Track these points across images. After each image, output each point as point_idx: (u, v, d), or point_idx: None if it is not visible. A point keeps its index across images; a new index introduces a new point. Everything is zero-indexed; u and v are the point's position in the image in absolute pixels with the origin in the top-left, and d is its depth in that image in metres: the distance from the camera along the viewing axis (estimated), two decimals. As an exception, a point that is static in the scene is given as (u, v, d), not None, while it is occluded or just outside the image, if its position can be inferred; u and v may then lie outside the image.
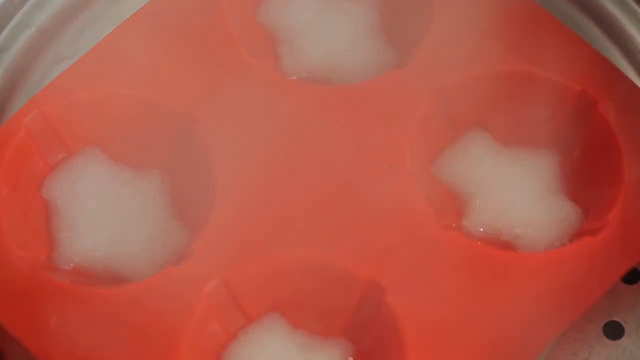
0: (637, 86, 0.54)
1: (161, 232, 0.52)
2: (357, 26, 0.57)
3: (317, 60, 0.55)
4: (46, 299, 0.48)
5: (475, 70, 0.53)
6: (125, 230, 0.52)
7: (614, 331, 0.52)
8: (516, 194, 0.52)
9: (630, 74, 0.58)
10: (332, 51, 0.56)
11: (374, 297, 0.48)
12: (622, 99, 0.52)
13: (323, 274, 0.49)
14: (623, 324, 0.52)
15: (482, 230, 0.51)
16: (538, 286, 0.48)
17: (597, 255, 0.49)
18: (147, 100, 0.53)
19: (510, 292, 0.48)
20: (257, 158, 0.52)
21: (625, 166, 0.50)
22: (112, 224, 0.52)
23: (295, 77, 0.55)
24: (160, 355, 0.47)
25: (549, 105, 0.53)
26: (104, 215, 0.52)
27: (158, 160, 0.53)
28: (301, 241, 0.49)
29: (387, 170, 0.51)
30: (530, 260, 0.49)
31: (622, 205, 0.50)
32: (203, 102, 0.53)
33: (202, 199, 0.52)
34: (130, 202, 0.52)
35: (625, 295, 0.53)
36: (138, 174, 0.53)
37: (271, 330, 0.49)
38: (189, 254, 0.49)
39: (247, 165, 0.51)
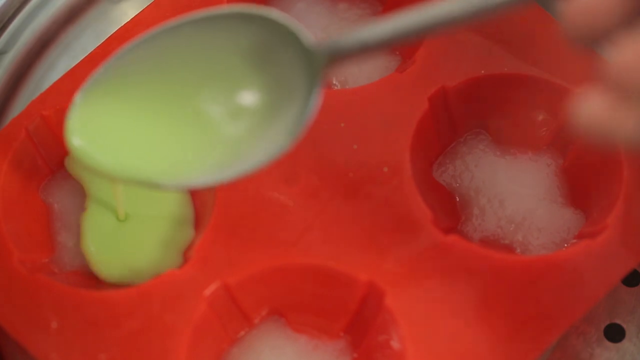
0: (637, 88, 0.53)
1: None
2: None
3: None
4: (47, 301, 0.48)
5: (475, 73, 0.53)
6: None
7: (614, 333, 0.52)
8: (516, 196, 0.52)
9: (631, 75, 0.57)
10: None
11: (374, 300, 0.48)
12: (622, 101, 0.52)
13: (323, 277, 0.49)
14: (624, 326, 0.52)
15: (481, 233, 0.51)
16: (538, 289, 0.48)
17: (597, 257, 0.49)
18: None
19: (510, 294, 0.48)
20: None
21: (624, 168, 0.50)
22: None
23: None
24: (160, 358, 0.47)
25: (548, 108, 0.53)
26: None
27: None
28: (301, 244, 0.49)
29: (387, 173, 0.51)
30: (529, 263, 0.49)
31: (622, 207, 0.49)
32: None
33: (202, 201, 0.52)
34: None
35: (625, 298, 0.53)
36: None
37: (271, 333, 0.49)
38: (189, 257, 0.49)
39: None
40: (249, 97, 0.41)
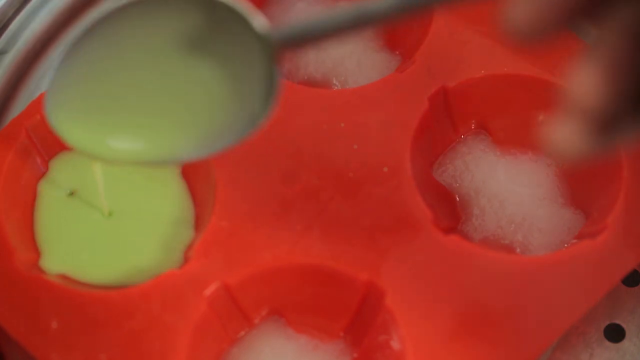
0: (637, 88, 0.53)
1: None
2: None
3: (317, 64, 0.55)
4: (47, 301, 0.48)
5: (475, 73, 0.53)
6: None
7: (614, 334, 0.52)
8: (516, 196, 0.52)
9: (631, 75, 0.57)
10: (332, 54, 0.56)
11: (374, 300, 0.48)
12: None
13: (323, 277, 0.49)
14: (624, 326, 0.52)
15: (481, 233, 0.51)
16: (538, 289, 0.48)
17: (597, 257, 0.49)
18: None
19: (510, 295, 0.48)
20: (257, 160, 0.52)
21: (624, 168, 0.50)
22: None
23: (296, 81, 0.55)
24: (160, 358, 0.47)
25: (548, 108, 0.53)
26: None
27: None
28: (301, 244, 0.49)
29: (387, 173, 0.51)
30: (530, 263, 0.49)
31: (622, 207, 0.49)
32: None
33: (202, 201, 0.52)
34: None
35: (625, 298, 0.53)
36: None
37: (271, 333, 0.49)
38: (188, 257, 0.49)
39: (248, 167, 0.51)
40: (209, 72, 0.42)
